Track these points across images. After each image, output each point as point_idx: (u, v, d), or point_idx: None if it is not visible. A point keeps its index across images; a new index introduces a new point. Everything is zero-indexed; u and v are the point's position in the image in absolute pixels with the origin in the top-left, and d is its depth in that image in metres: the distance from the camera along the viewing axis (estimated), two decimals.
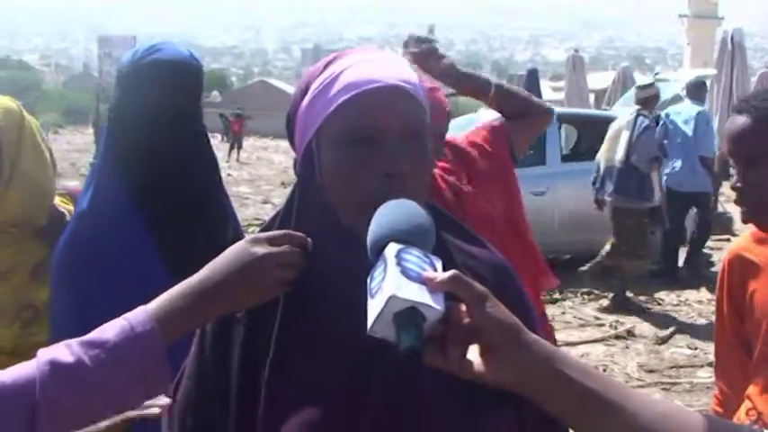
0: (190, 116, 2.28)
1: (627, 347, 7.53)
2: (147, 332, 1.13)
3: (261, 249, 1.19)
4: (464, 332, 1.06)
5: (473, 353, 1.07)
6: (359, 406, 1.23)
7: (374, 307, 1.05)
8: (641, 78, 21.60)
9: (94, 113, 29.19)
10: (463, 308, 1.06)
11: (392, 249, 1.10)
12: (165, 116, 2.20)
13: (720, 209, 14.54)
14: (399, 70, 1.32)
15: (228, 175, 20.89)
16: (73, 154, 30.90)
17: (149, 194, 2.22)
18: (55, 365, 1.10)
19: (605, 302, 9.07)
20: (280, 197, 10.59)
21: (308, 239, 1.23)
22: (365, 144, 1.26)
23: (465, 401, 1.27)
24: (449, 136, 3.05)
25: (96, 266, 2.16)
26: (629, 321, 8.39)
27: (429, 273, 1.06)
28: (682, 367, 6.96)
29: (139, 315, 1.15)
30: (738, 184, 2.06)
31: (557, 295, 9.15)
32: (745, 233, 2.29)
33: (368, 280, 1.10)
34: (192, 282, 1.19)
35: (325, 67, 1.34)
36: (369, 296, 1.08)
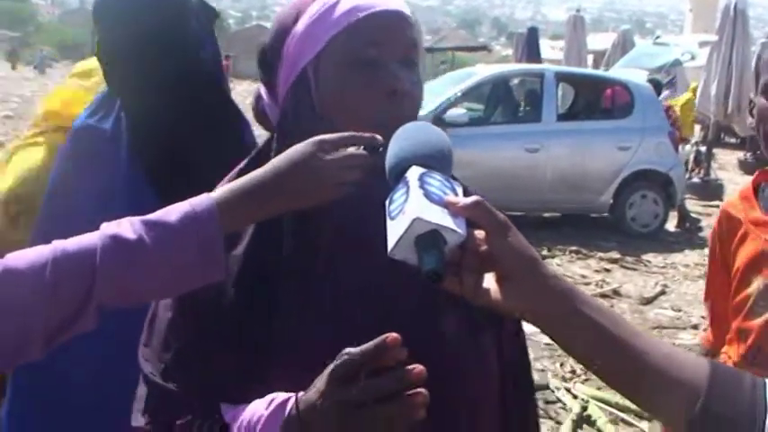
0: (179, 35, 2.10)
1: (612, 306, 7.58)
2: (209, 217, 1.14)
3: (324, 152, 1.18)
4: (480, 259, 1.06)
5: (487, 280, 1.07)
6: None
7: (396, 229, 1.04)
8: (641, 42, 21.57)
9: (90, 48, 29.03)
10: (481, 235, 1.06)
11: (415, 172, 1.09)
12: (137, 43, 2.04)
13: (712, 175, 14.63)
14: (396, 1, 1.33)
15: None
16: None
17: (141, 134, 2.08)
18: (116, 239, 1.12)
19: (592, 262, 9.14)
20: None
21: (378, 137, 1.20)
22: (369, 66, 1.27)
23: (468, 325, 1.33)
24: None
25: (89, 179, 2.08)
26: (615, 281, 8.46)
27: (452, 197, 1.06)
28: (665, 328, 7.02)
29: (203, 201, 1.16)
30: None
31: (545, 252, 9.19)
32: (738, 191, 2.30)
33: (387, 203, 1.10)
34: (257, 175, 1.18)
35: None
36: (388, 218, 1.07)
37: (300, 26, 1.30)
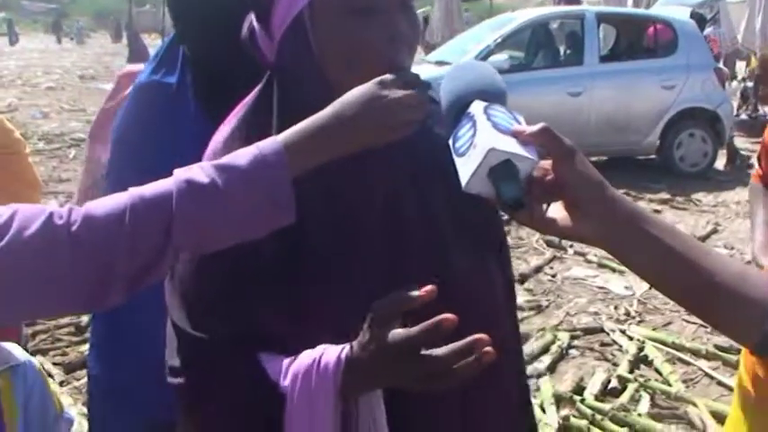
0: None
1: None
2: (278, 160, 1.16)
3: (389, 92, 1.18)
4: (548, 188, 1.07)
5: (555, 210, 1.09)
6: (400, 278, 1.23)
7: (469, 163, 1.05)
8: None
9: (127, 17, 29.20)
10: (545, 164, 1.07)
11: (479, 106, 1.10)
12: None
13: (761, 111, 14.35)
14: None
15: None
16: (105, 57, 30.99)
17: (203, 74, 2.16)
18: (191, 183, 1.14)
19: (642, 204, 9.04)
20: None
21: (429, 83, 1.23)
22: (366, 12, 1.25)
23: (476, 253, 1.38)
24: None
25: (157, 143, 2.14)
26: (668, 221, 8.35)
27: (519, 126, 1.07)
28: None
29: (271, 144, 1.18)
30: None
31: None
32: None
33: (451, 141, 1.11)
34: (322, 117, 1.19)
35: None
36: (455, 155, 1.09)
37: None
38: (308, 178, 1.20)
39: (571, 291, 6.23)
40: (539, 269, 6.67)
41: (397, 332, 1.08)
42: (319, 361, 1.18)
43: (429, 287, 1.07)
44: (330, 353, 1.17)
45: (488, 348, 1.05)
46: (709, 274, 1.07)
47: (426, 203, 1.34)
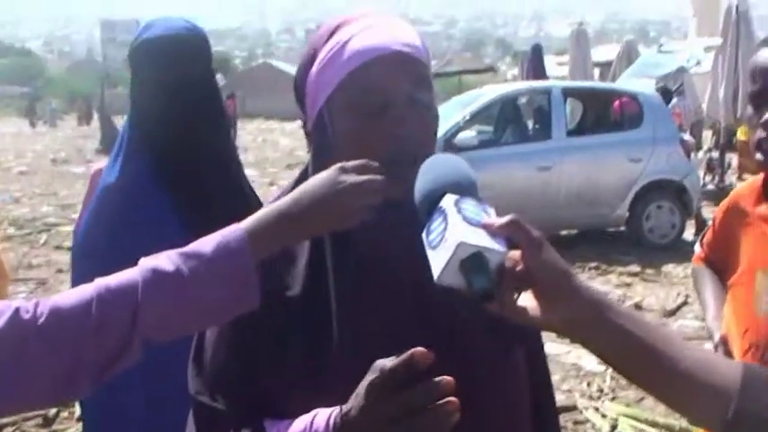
0: (190, 84, 2.30)
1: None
2: (241, 247, 1.18)
3: (348, 177, 1.22)
4: (518, 278, 1.09)
5: (525, 298, 1.11)
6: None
7: (440, 256, 1.08)
8: (646, 51, 21.57)
9: (99, 99, 29.35)
10: (515, 254, 1.09)
11: (449, 200, 1.13)
12: (164, 89, 2.26)
13: (727, 180, 14.55)
14: (403, 34, 1.36)
15: None
16: (77, 140, 31.00)
17: (167, 166, 2.28)
18: (156, 272, 1.16)
19: (612, 277, 9.09)
20: (286, 179, 10.66)
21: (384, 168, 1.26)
22: (374, 112, 1.30)
23: (501, 344, 1.39)
24: None
25: (121, 238, 2.20)
26: (637, 295, 8.40)
27: (488, 218, 1.10)
28: (690, 339, 6.94)
29: (234, 231, 1.20)
30: None
31: None
32: (750, 180, 2.29)
33: (424, 234, 1.14)
34: (283, 204, 1.23)
35: (331, 34, 1.36)
36: (428, 249, 1.11)
37: (314, 69, 1.36)
38: (338, 263, 1.26)
39: None
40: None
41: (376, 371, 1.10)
42: (311, 425, 1.19)
43: (419, 350, 1.07)
44: (321, 417, 1.18)
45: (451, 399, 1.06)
46: (673, 362, 1.08)
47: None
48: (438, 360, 1.17)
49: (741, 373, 1.09)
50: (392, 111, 1.31)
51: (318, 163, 1.35)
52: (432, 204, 1.15)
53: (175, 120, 2.27)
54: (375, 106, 1.30)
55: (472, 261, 1.05)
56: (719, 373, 1.09)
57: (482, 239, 1.06)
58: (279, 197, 1.38)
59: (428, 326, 1.33)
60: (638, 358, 1.09)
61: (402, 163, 1.27)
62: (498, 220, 1.08)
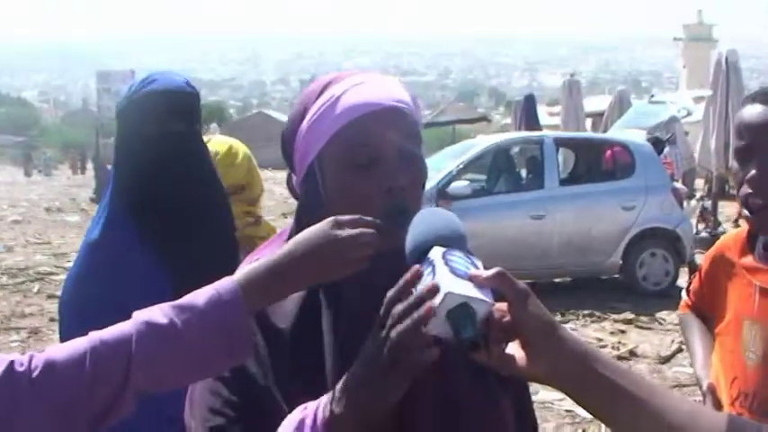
0: (187, 140, 2.33)
1: (629, 368, 7.49)
2: (233, 300, 1.19)
3: (341, 231, 1.24)
4: (504, 330, 1.11)
5: (512, 349, 1.12)
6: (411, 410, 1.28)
7: None
8: (637, 102, 21.74)
9: (94, 148, 29.36)
10: (502, 306, 1.12)
11: (437, 252, 1.16)
12: (165, 144, 2.26)
13: (720, 228, 14.59)
14: (394, 91, 1.39)
15: None
16: (73, 189, 30.99)
17: (154, 221, 2.26)
18: (150, 325, 1.17)
19: (606, 324, 9.09)
20: (280, 227, 10.75)
21: (378, 221, 1.28)
22: (365, 165, 1.33)
23: (488, 391, 1.39)
24: None
25: (108, 297, 2.17)
26: (631, 342, 8.40)
27: (475, 270, 1.12)
28: (685, 386, 6.94)
29: (227, 284, 1.21)
30: (755, 176, 1.97)
31: (558, 317, 9.14)
32: (735, 231, 2.31)
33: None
34: (275, 257, 1.24)
35: (323, 90, 1.39)
36: None
37: (305, 124, 1.38)
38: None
39: (539, 415, 6.13)
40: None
41: None
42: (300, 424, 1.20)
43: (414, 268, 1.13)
44: (309, 409, 1.21)
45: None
46: (660, 414, 1.09)
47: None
48: (425, 405, 1.19)
49: (726, 424, 1.10)
50: (383, 164, 1.33)
51: (307, 217, 1.36)
52: (421, 256, 1.18)
53: (168, 174, 2.27)
54: (366, 160, 1.33)
55: (459, 311, 1.07)
56: (706, 424, 1.10)
57: (469, 290, 1.09)
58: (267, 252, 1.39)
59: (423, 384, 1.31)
60: (624, 409, 1.10)
61: (393, 215, 1.30)
62: (485, 272, 1.11)
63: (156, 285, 2.14)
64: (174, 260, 2.21)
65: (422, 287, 1.12)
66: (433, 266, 1.13)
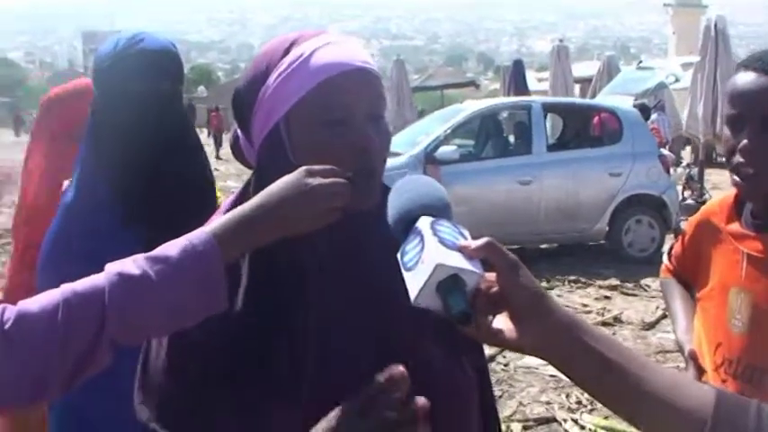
0: (174, 100, 2.35)
1: (614, 334, 7.56)
2: (207, 250, 1.18)
3: (314, 180, 1.23)
4: (492, 300, 1.10)
5: (500, 321, 1.11)
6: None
7: (416, 278, 1.08)
8: (626, 68, 21.73)
9: None
10: (489, 276, 1.10)
11: (425, 222, 1.13)
12: (152, 103, 2.26)
13: (706, 195, 14.65)
14: (362, 52, 1.38)
15: (216, 169, 20.81)
16: None
17: (131, 184, 2.26)
18: (122, 276, 1.16)
19: (592, 290, 9.14)
20: None
21: (350, 173, 1.27)
22: (338, 124, 1.32)
23: (453, 355, 1.40)
24: None
25: (81, 257, 2.18)
26: (616, 308, 8.44)
27: (464, 241, 1.10)
28: (668, 352, 6.99)
29: (200, 235, 1.20)
30: (747, 145, 1.95)
31: (544, 283, 9.18)
32: (721, 197, 2.31)
33: (399, 255, 1.14)
34: (249, 206, 1.23)
35: (288, 48, 1.36)
36: (404, 270, 1.11)
37: (272, 81, 1.35)
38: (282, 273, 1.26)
39: (524, 380, 6.24)
40: (492, 358, 6.67)
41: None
42: None
43: (399, 369, 1.08)
44: None
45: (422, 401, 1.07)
46: (646, 384, 1.08)
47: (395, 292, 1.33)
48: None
49: (714, 396, 1.10)
50: (354, 125, 1.32)
51: (268, 177, 1.32)
52: (406, 225, 1.16)
53: (152, 132, 2.27)
54: (340, 118, 1.31)
55: (449, 283, 1.06)
56: (693, 396, 1.10)
57: (459, 261, 1.07)
58: (226, 211, 1.37)
59: (387, 339, 1.33)
60: (611, 380, 1.09)
61: (363, 175, 1.29)
62: (474, 243, 1.09)
63: (129, 242, 2.15)
64: (152, 225, 2.22)
65: (409, 258, 1.11)
66: (422, 237, 1.11)
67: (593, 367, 1.09)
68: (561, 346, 1.09)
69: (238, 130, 1.45)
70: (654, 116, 15.77)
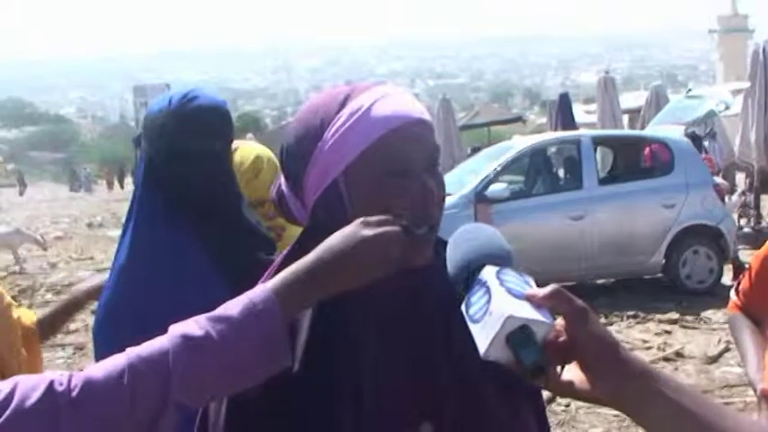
0: (225, 159, 2.38)
1: (676, 369, 7.43)
2: (268, 308, 1.18)
3: (370, 230, 1.22)
4: (562, 350, 1.07)
5: (570, 371, 1.09)
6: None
7: (485, 330, 1.06)
8: (674, 97, 21.54)
9: (134, 163, 29.76)
10: (558, 325, 1.07)
11: (490, 272, 1.11)
12: (205, 161, 2.28)
13: (763, 223, 14.41)
14: (417, 104, 1.37)
15: None
16: (112, 203, 31.33)
17: (197, 233, 2.28)
18: (186, 338, 1.16)
19: (651, 325, 9.00)
20: None
21: (405, 222, 1.27)
22: (400, 176, 1.31)
23: (509, 398, 1.37)
24: None
25: (144, 318, 2.18)
26: (678, 342, 8.29)
27: (531, 289, 1.08)
28: (733, 386, 6.84)
29: (261, 293, 1.20)
30: None
31: (602, 319, 9.05)
32: None
33: (463, 307, 1.12)
34: (308, 260, 1.22)
35: (343, 102, 1.35)
36: (470, 322, 1.09)
37: (329, 135, 1.33)
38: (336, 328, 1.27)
39: (586, 420, 6.14)
40: (552, 398, 6.57)
41: None
42: None
43: None
44: None
45: None
46: None
47: (459, 347, 1.33)
48: (454, 426, 1.17)
49: None
50: (415, 176, 1.31)
51: (324, 232, 1.30)
52: (469, 276, 1.14)
53: (201, 189, 2.30)
54: (400, 171, 1.30)
55: (519, 334, 1.03)
56: None
57: (529, 312, 1.04)
58: (278, 267, 1.38)
59: (437, 388, 1.32)
60: (689, 429, 1.06)
61: (422, 228, 1.29)
62: (542, 291, 1.06)
63: (207, 280, 2.18)
64: (216, 250, 2.24)
65: (476, 309, 1.09)
66: (487, 288, 1.09)
67: (670, 416, 1.06)
68: (636, 396, 1.06)
69: (284, 187, 1.43)
70: (706, 144, 15.61)
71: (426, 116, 1.36)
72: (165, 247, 2.28)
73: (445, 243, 1.25)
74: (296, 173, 1.37)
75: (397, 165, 1.30)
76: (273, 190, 1.47)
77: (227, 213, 2.35)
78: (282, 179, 1.43)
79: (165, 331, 1.20)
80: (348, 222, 1.28)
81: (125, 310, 2.26)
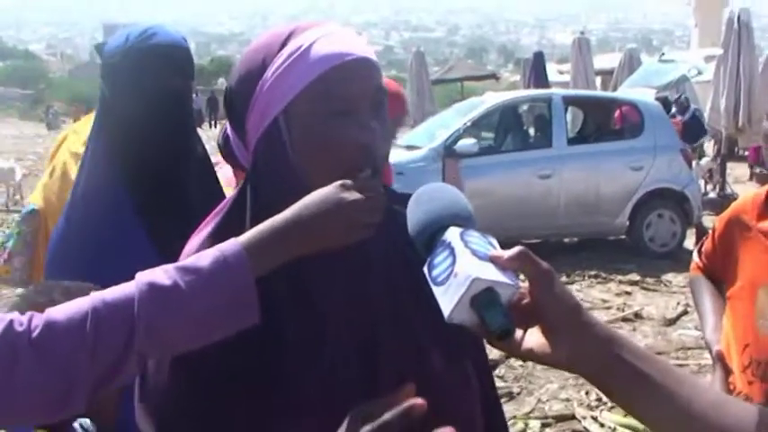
0: (185, 98, 2.33)
1: (634, 330, 7.51)
2: (238, 262, 1.16)
3: (350, 195, 1.20)
4: (525, 313, 1.06)
5: (532, 334, 1.07)
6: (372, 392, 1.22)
7: (449, 293, 1.03)
8: (648, 60, 21.58)
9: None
10: (522, 288, 1.05)
11: (454, 233, 1.08)
12: (163, 99, 2.24)
13: (728, 189, 14.55)
14: (361, 42, 1.33)
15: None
16: None
17: (141, 177, 2.26)
18: (153, 286, 1.13)
19: (612, 285, 9.08)
20: None
21: (383, 184, 1.25)
22: (341, 116, 1.27)
23: (452, 357, 1.36)
24: None
25: (89, 250, 2.18)
26: (637, 304, 8.38)
27: (495, 251, 1.06)
28: (689, 349, 6.93)
29: (232, 246, 1.18)
30: None
31: (564, 278, 9.12)
32: (752, 193, 2.27)
33: (426, 269, 1.09)
34: (281, 218, 1.20)
35: (285, 41, 1.31)
36: (433, 284, 1.06)
37: (269, 74, 1.29)
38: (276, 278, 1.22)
39: (543, 376, 6.20)
40: (509, 355, 6.64)
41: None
42: None
43: (419, 401, 1.05)
44: None
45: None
46: (686, 403, 1.05)
47: (398, 303, 1.33)
48: (391, 378, 1.16)
49: (756, 417, 1.06)
50: (357, 117, 1.28)
51: (265, 176, 1.30)
52: (431, 237, 1.11)
53: (160, 132, 2.25)
54: (340, 111, 1.27)
55: (484, 297, 1.01)
56: (734, 415, 1.06)
57: (494, 274, 1.02)
58: (228, 210, 1.36)
59: (377, 346, 1.30)
60: (650, 396, 1.05)
61: (365, 171, 1.26)
62: (507, 253, 1.04)
63: (136, 241, 2.17)
64: (154, 217, 2.21)
65: (439, 271, 1.05)
66: (452, 249, 1.05)
67: (631, 383, 1.05)
68: (599, 362, 1.05)
69: (228, 130, 1.40)
70: (674, 110, 15.68)
71: (371, 55, 1.32)
72: (101, 201, 2.27)
73: (407, 198, 1.22)
74: (239, 114, 1.34)
75: (338, 104, 1.27)
76: (220, 135, 1.44)
77: (180, 164, 2.30)
78: (228, 124, 1.40)
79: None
80: (289, 164, 1.27)
81: (76, 241, 2.27)
